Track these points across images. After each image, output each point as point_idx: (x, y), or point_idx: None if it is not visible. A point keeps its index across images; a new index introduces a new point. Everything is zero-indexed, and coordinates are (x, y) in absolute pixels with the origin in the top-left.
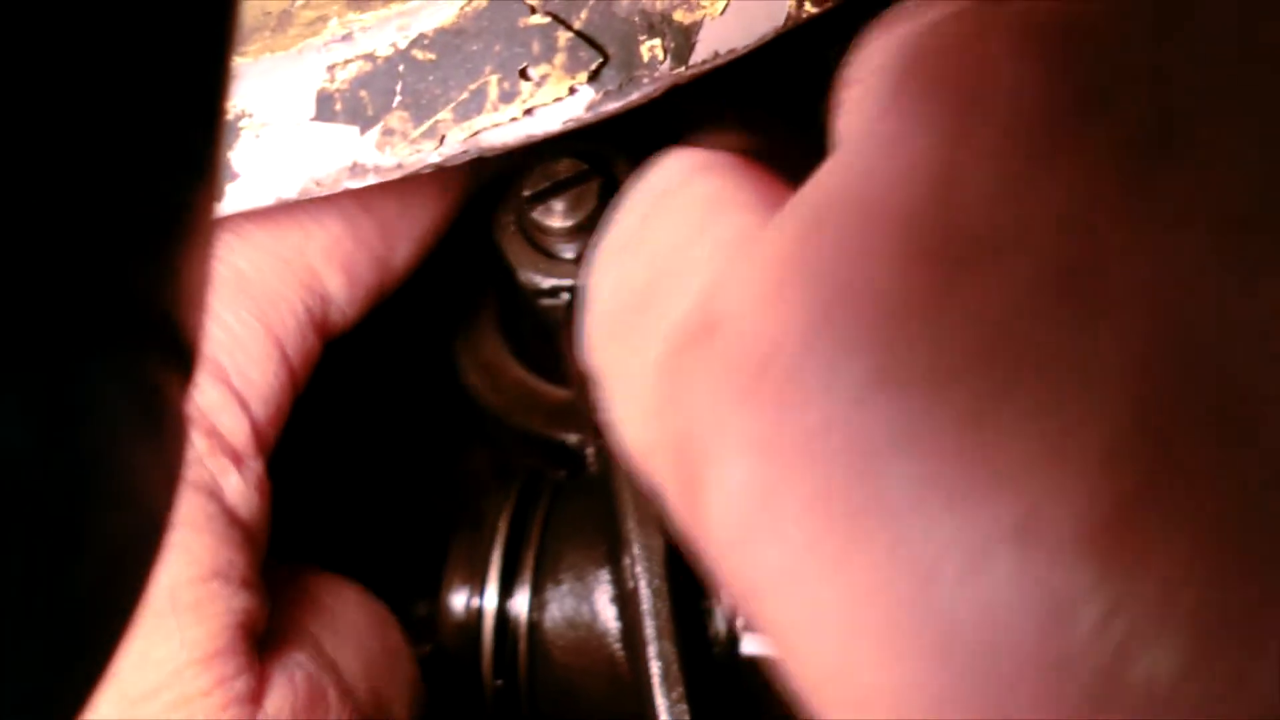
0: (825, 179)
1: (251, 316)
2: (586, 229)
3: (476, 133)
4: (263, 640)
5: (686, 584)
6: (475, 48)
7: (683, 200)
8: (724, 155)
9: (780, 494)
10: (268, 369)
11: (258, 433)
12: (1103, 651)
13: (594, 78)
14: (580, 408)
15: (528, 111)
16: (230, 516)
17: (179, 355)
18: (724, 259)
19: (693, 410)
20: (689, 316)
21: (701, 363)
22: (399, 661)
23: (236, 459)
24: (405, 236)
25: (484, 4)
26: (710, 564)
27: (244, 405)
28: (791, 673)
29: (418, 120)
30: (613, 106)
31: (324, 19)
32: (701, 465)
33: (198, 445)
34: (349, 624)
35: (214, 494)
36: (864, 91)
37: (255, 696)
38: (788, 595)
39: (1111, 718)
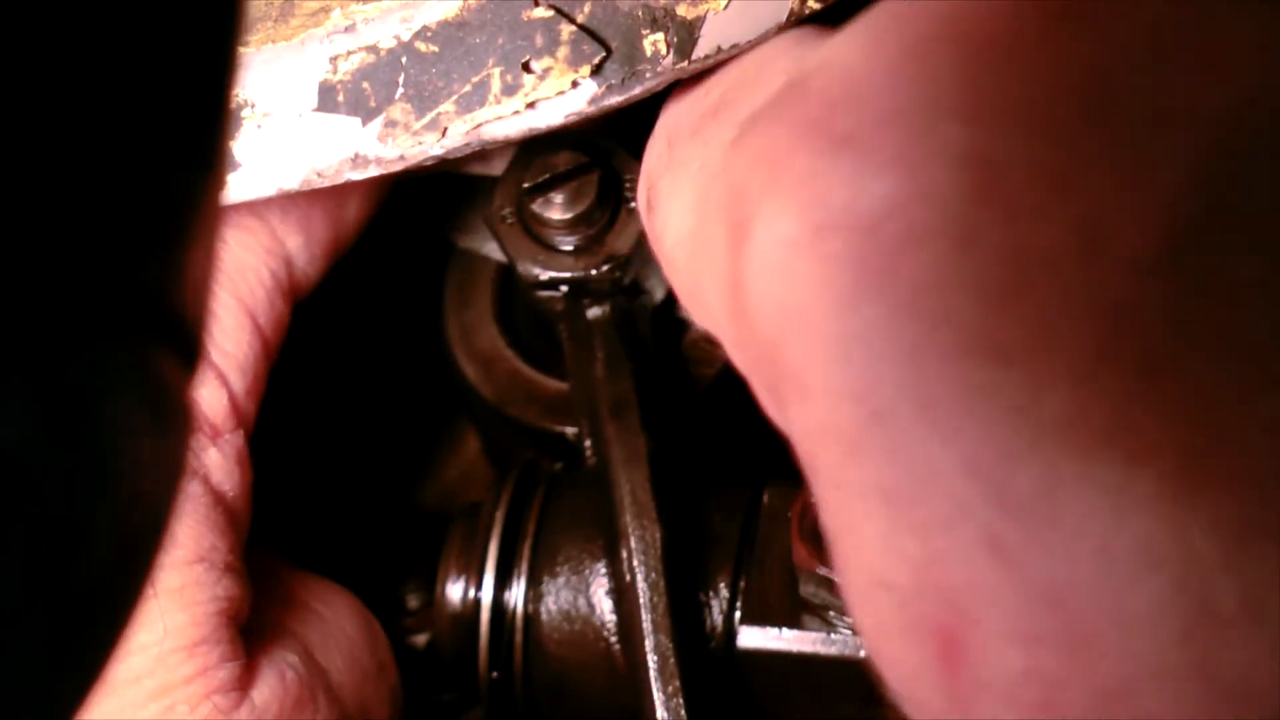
0: None
1: (220, 289)
2: (585, 221)
3: (479, 125)
4: (251, 634)
5: (683, 578)
6: (478, 40)
7: (767, 45)
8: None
9: (832, 228)
10: (241, 340)
11: (236, 405)
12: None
13: (597, 71)
14: (577, 398)
15: (530, 104)
16: (213, 496)
17: (185, 348)
18: (803, 58)
19: (752, 158)
20: (766, 98)
21: (772, 116)
22: (384, 675)
23: (215, 433)
24: (355, 190)
25: None
26: (738, 322)
27: (221, 378)
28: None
29: (420, 112)
30: (615, 100)
31: (326, 10)
32: (754, 205)
33: None
34: (341, 632)
35: (194, 471)
36: None
37: (241, 685)
38: (821, 330)
39: None
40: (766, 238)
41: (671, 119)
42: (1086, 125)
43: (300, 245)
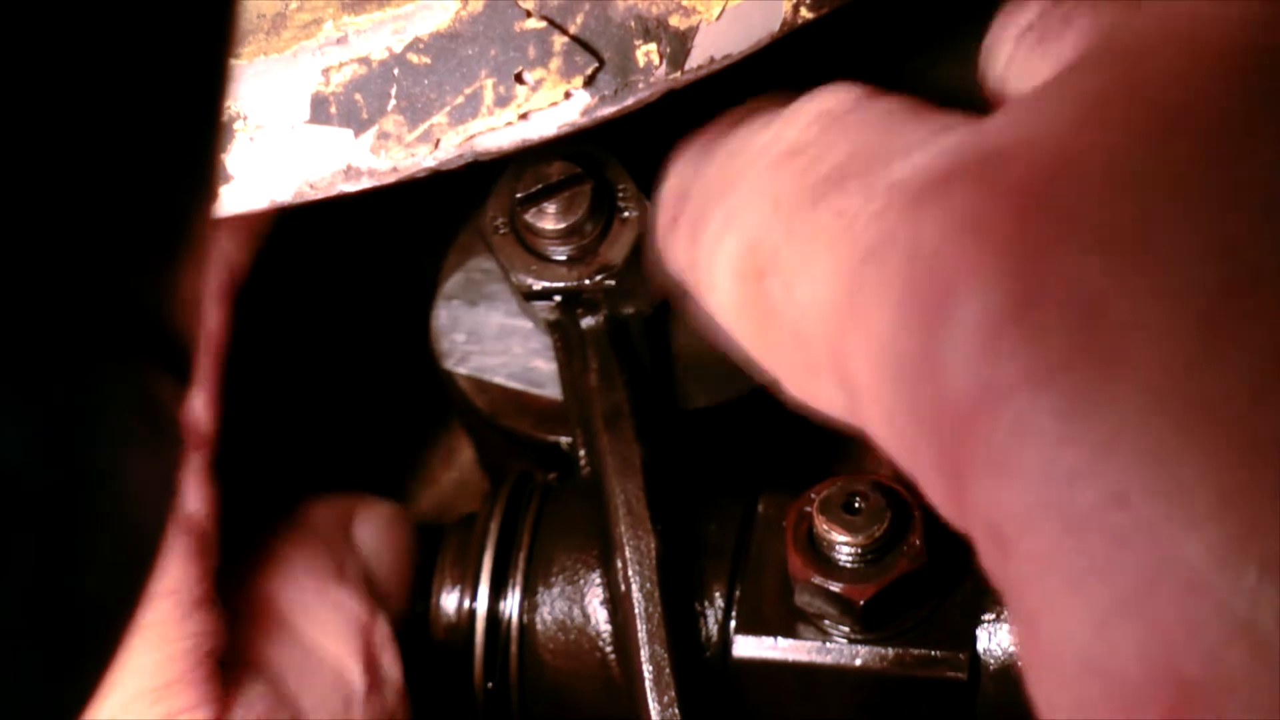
0: (1138, 27)
1: None
2: (578, 231)
3: (471, 137)
4: (224, 664)
5: (678, 587)
6: (470, 52)
7: (871, 113)
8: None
9: (1048, 301)
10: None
11: (194, 422)
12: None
13: (590, 82)
14: (570, 408)
15: (523, 116)
16: (179, 522)
17: (177, 364)
18: (968, 127)
19: (951, 229)
20: (935, 164)
21: (969, 186)
22: (376, 695)
23: None
24: None
25: (479, 8)
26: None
27: None
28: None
29: (412, 124)
30: (608, 111)
31: (319, 22)
32: (958, 278)
33: None
34: (320, 657)
35: None
36: None
37: None
38: (1029, 404)
39: None
40: (974, 312)
41: (771, 185)
42: None
43: (226, 234)
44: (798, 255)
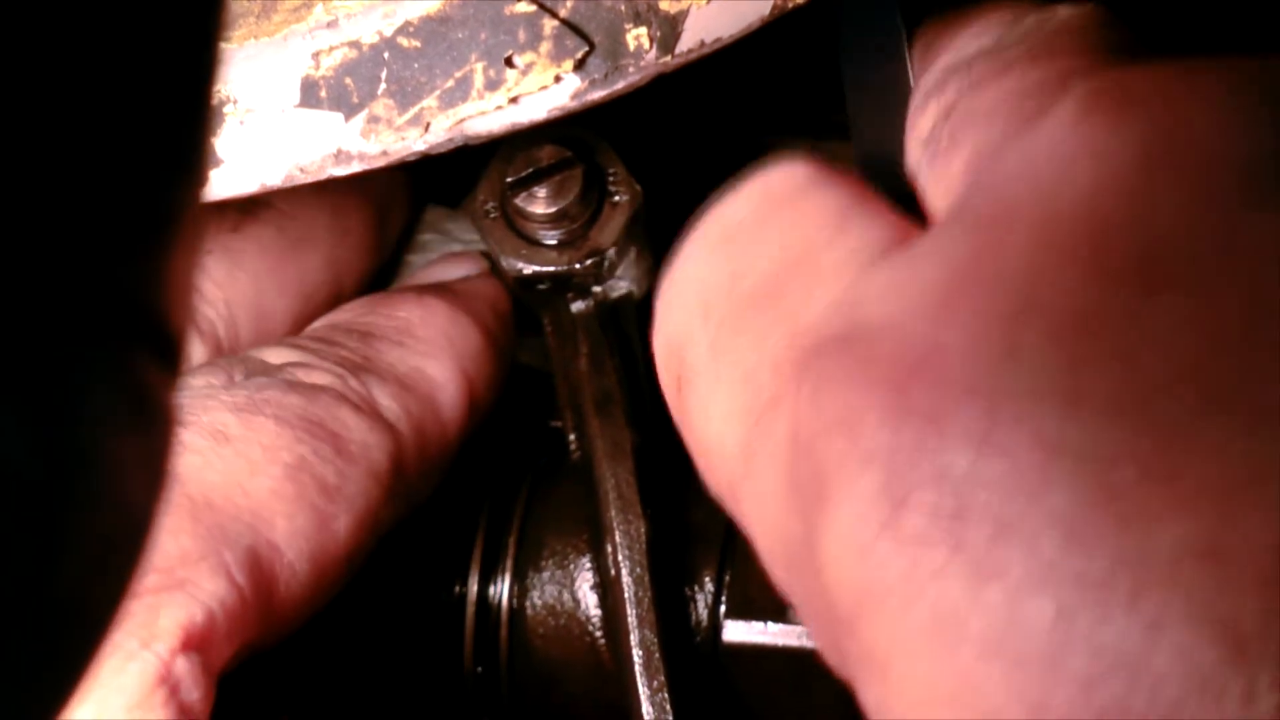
0: (999, 189)
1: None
2: (569, 216)
3: (462, 120)
4: None
5: (668, 572)
6: (461, 35)
7: (808, 206)
8: (840, 169)
9: (915, 508)
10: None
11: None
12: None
13: (580, 66)
14: (561, 392)
15: (513, 100)
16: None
17: (165, 352)
18: (861, 269)
19: (823, 416)
20: (826, 319)
21: (842, 367)
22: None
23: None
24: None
25: None
26: (800, 570)
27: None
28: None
29: (403, 107)
30: (598, 95)
31: (309, 5)
32: (830, 476)
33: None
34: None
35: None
36: (1021, 105)
37: None
38: (902, 614)
39: None
40: (846, 514)
41: (702, 279)
42: (1195, 418)
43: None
44: (714, 382)
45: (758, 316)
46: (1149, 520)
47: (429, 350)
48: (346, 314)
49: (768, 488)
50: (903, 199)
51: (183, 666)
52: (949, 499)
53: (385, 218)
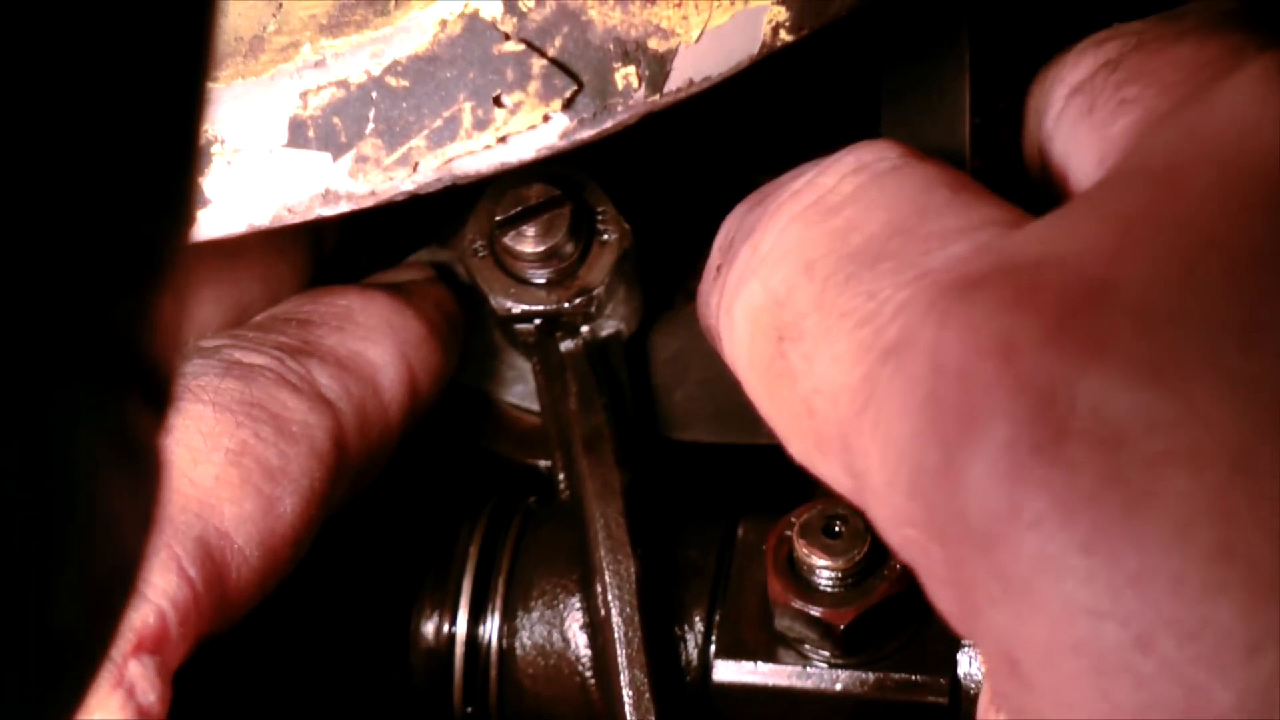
0: (1175, 145)
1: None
2: (557, 254)
3: (450, 160)
4: None
5: (658, 612)
6: (449, 74)
7: (911, 178)
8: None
9: (1074, 434)
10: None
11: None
12: None
13: (568, 105)
14: (550, 431)
15: (502, 139)
16: None
17: (153, 392)
18: (1002, 229)
19: (975, 344)
20: (971, 260)
21: (998, 297)
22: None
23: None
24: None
25: (458, 30)
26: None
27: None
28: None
29: (391, 147)
30: (587, 134)
31: (296, 45)
32: (981, 400)
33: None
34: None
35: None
36: (1198, 74)
37: None
38: (1052, 536)
39: None
40: (1000, 435)
41: (799, 242)
42: None
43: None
44: (823, 330)
45: (872, 268)
46: None
47: (369, 335)
48: (287, 304)
49: (894, 418)
50: None
51: (137, 670)
52: (1114, 422)
53: (320, 233)
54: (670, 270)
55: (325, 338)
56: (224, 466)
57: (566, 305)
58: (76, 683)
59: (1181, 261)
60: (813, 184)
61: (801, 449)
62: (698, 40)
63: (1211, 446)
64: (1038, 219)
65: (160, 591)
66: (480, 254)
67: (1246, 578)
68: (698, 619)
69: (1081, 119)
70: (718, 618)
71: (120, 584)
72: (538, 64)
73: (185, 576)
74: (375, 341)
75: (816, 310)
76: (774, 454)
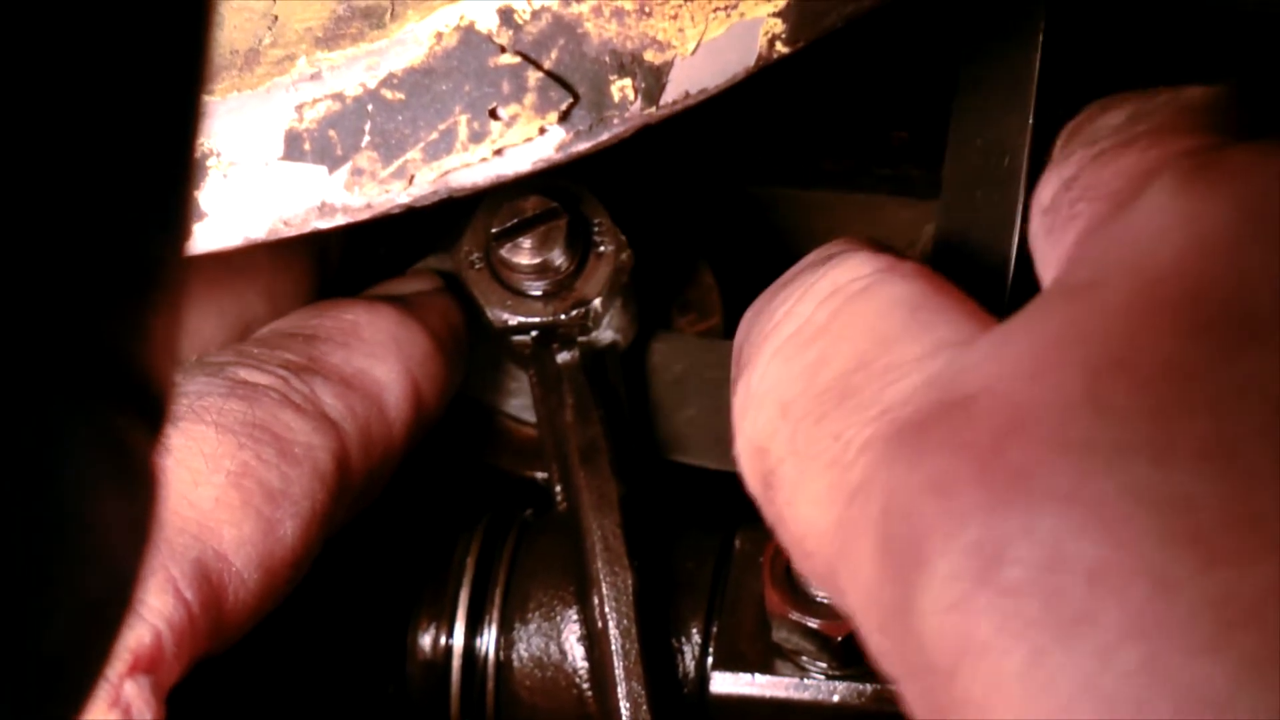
0: (1097, 259)
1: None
2: (554, 266)
3: (446, 173)
4: None
5: (655, 623)
6: (444, 87)
7: (880, 301)
8: (907, 259)
9: (1009, 561)
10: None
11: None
12: None
13: (564, 118)
14: (547, 443)
15: (497, 152)
16: None
17: (148, 410)
18: (951, 353)
19: (918, 482)
20: (918, 395)
21: (936, 434)
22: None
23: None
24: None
25: (453, 43)
26: (901, 640)
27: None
28: None
29: (387, 160)
30: (583, 147)
31: (292, 58)
32: (925, 537)
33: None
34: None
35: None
36: (1131, 183)
37: None
38: (1000, 662)
39: None
40: (943, 571)
41: (777, 381)
42: (1276, 463)
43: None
44: (798, 474)
45: (838, 406)
46: (1236, 563)
47: (374, 351)
48: (293, 318)
49: (863, 559)
50: (996, 268)
51: (132, 689)
52: (1041, 551)
53: (325, 249)
54: (667, 282)
55: (330, 354)
56: (225, 488)
57: (563, 317)
58: (70, 701)
59: (1093, 381)
60: (791, 313)
61: (809, 576)
62: (694, 53)
63: (1132, 567)
64: (986, 335)
65: (156, 613)
66: (476, 266)
67: (1171, 693)
68: (695, 631)
69: (1046, 241)
70: (715, 629)
71: (114, 602)
72: (533, 77)
73: (181, 598)
74: (381, 358)
75: (792, 455)
76: None
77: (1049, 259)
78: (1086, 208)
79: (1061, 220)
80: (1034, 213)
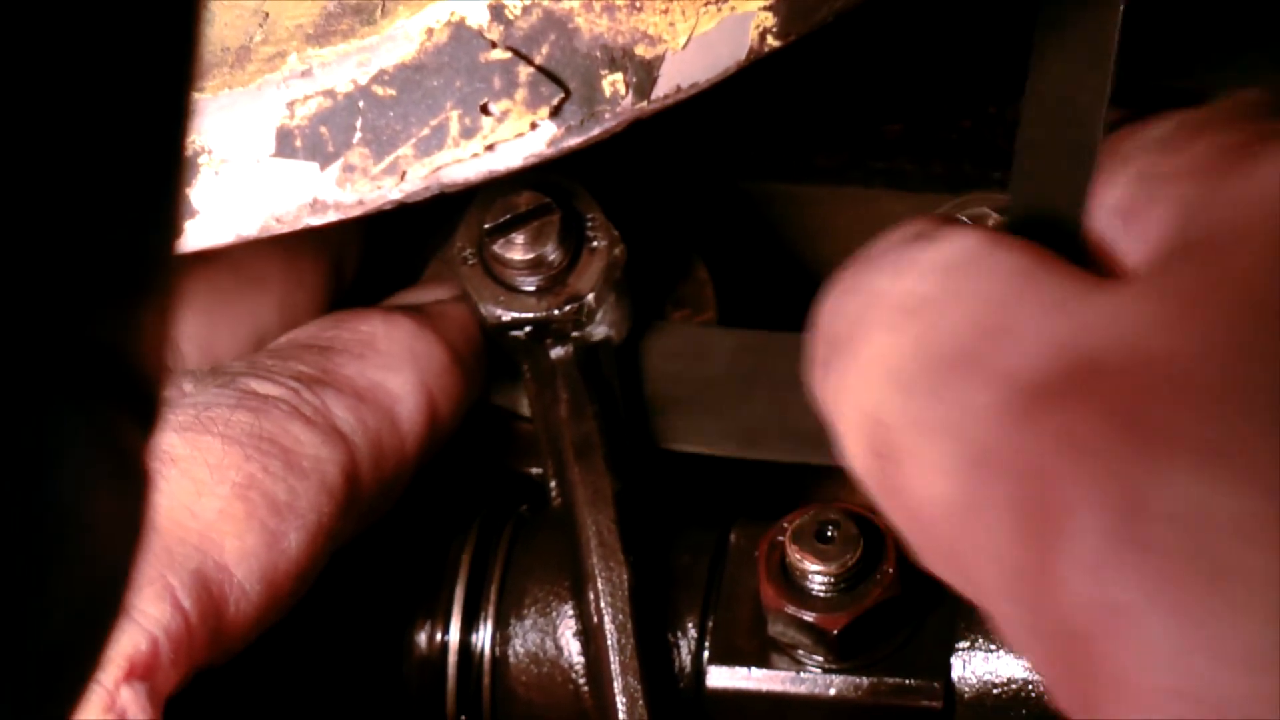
0: (1218, 225)
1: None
2: (547, 262)
3: (437, 168)
4: None
5: (651, 619)
6: (436, 83)
7: (989, 270)
8: (1008, 235)
9: (1153, 520)
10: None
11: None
12: None
13: (556, 113)
14: (541, 439)
15: (489, 147)
16: None
17: (142, 407)
18: (1072, 314)
19: (1054, 446)
20: (1046, 360)
21: (1072, 397)
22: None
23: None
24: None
25: (444, 39)
26: (1054, 609)
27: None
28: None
29: (378, 156)
30: (575, 142)
31: (283, 55)
32: (1063, 500)
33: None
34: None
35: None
36: (1224, 158)
37: None
38: (1143, 623)
39: None
40: (1085, 531)
41: (887, 353)
42: None
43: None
44: (915, 445)
45: (957, 373)
46: None
47: (390, 363)
48: (309, 329)
49: (992, 525)
50: (1072, 237)
51: (128, 696)
52: (1187, 506)
53: (341, 262)
54: (661, 277)
55: (344, 366)
56: (229, 500)
57: (556, 313)
58: (64, 698)
59: (1241, 334)
60: (895, 284)
61: (922, 556)
62: (685, 47)
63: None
64: (1105, 295)
65: (153, 620)
66: (469, 261)
67: None
68: (691, 625)
69: (1128, 229)
70: (711, 624)
71: (108, 600)
72: (525, 72)
73: (179, 607)
74: (396, 370)
75: (909, 424)
76: (766, 463)
77: (1135, 245)
78: (1172, 190)
79: (1141, 209)
80: (1100, 214)
